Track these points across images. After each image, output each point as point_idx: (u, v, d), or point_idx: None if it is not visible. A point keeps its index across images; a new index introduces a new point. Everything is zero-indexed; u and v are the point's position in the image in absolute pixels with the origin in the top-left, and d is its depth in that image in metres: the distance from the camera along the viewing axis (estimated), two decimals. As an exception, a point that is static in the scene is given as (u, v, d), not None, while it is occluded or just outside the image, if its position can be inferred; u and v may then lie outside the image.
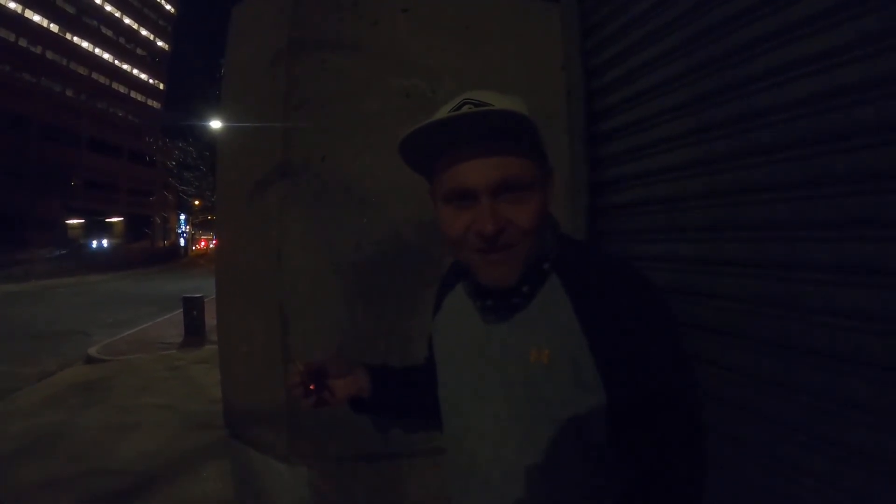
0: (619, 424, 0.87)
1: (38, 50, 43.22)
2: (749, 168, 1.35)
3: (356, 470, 1.84)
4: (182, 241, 58.81)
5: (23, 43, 41.65)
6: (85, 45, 50.00)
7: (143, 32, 61.34)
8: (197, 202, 33.63)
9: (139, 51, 60.14)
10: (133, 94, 58.29)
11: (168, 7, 66.21)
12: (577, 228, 2.01)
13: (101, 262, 32.93)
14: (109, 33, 54.23)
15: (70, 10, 47.83)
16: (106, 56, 53.37)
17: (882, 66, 1.03)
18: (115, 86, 54.65)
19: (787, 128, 1.24)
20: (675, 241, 1.63)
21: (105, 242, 44.64)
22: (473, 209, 0.87)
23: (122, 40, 56.47)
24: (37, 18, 43.67)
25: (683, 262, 1.58)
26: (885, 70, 1.02)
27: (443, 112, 0.88)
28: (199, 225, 52.39)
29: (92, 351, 8.58)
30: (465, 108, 0.85)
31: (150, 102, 61.34)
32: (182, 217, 58.11)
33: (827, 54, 1.13)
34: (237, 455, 2.12)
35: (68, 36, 47.59)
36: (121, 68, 56.15)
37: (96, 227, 44.90)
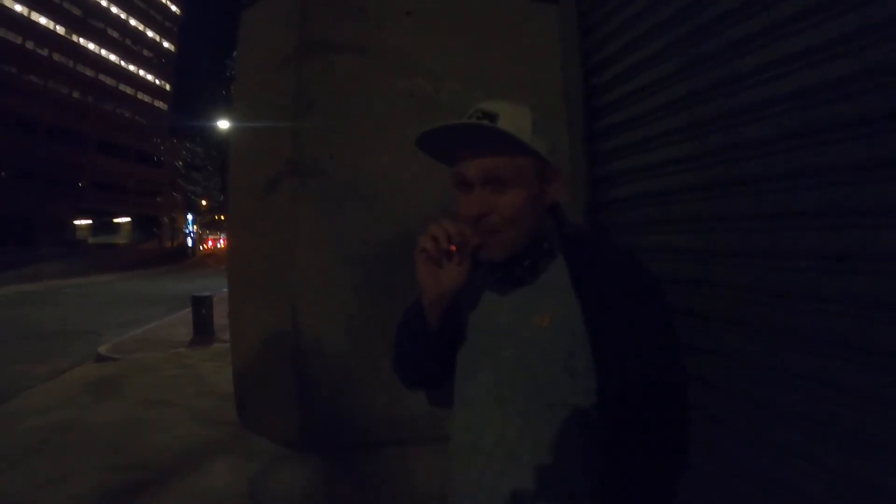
0: (607, 402, 0.97)
1: (45, 52, 43.49)
2: (739, 161, 1.42)
3: (364, 457, 1.91)
4: (190, 242, 58.88)
5: (30, 45, 41.92)
6: (91, 46, 50.22)
7: (149, 34, 61.56)
8: (204, 202, 33.76)
9: (145, 52, 60.33)
10: (140, 96, 58.53)
11: (174, 8, 66.38)
12: (580, 222, 2.07)
13: (110, 262, 33.14)
14: (115, 35, 54.45)
15: (76, 11, 48.03)
16: (112, 58, 53.60)
17: (861, 62, 1.09)
18: (121, 87, 54.87)
19: (775, 122, 1.30)
20: (669, 232, 1.69)
21: (113, 243, 44.87)
22: (469, 195, 1.06)
23: (128, 42, 56.66)
24: (43, 21, 43.89)
25: (677, 253, 1.64)
26: (864, 66, 1.09)
27: (462, 118, 1.06)
28: (207, 225, 52.54)
29: (102, 350, 8.65)
30: (474, 117, 1.04)
31: (156, 103, 61.54)
32: (189, 217, 58.24)
33: (811, 51, 1.20)
34: (250, 445, 2.19)
35: (75, 38, 47.86)
36: (127, 69, 56.37)
37: (104, 227, 45.20)
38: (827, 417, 1.18)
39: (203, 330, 9.85)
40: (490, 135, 1.02)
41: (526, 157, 1.05)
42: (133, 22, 58.07)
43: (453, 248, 1.06)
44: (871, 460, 1.08)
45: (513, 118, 1.03)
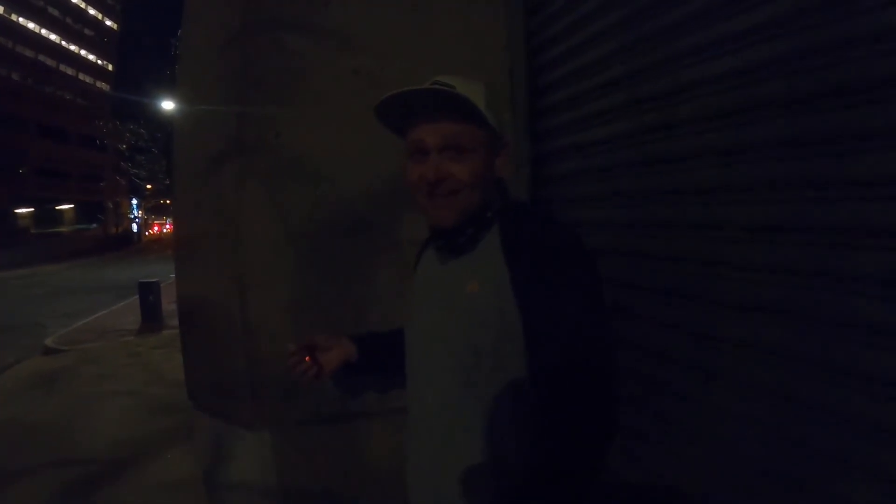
0: (532, 369, 1.01)
1: (-19, 33, 41.25)
2: (675, 138, 1.48)
3: (316, 432, 1.93)
4: (135, 227, 56.95)
5: (-36, 26, 39.69)
6: (31, 26, 47.80)
7: (91, 11, 58.82)
8: (149, 186, 32.67)
9: (87, 31, 57.62)
10: (81, 77, 55.98)
11: (117, -16, 63.66)
12: (521, 197, 2.12)
13: (54, 251, 31.84)
14: (56, 13, 51.92)
15: (14, -11, 45.62)
16: (53, 37, 51.08)
17: (793, 44, 1.15)
18: (62, 68, 52.39)
19: (710, 101, 1.36)
20: (609, 206, 1.75)
21: (57, 231, 43.02)
22: (425, 162, 1.08)
23: (69, 20, 54.07)
24: (-23, 0, 41.64)
25: (617, 227, 1.71)
26: (795, 48, 1.15)
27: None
28: (152, 209, 50.91)
29: (49, 342, 8.38)
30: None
31: (98, 84, 58.82)
32: (134, 202, 56.40)
33: (745, 34, 1.26)
34: (202, 426, 2.18)
35: (13, 17, 45.41)
36: (68, 49, 53.78)
37: (47, 215, 43.29)
38: (757, 379, 1.25)
39: (151, 317, 9.64)
40: (451, 102, 1.05)
41: (481, 128, 1.09)
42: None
43: (307, 358, 1.36)
44: (802, 418, 1.16)
45: (468, 90, 1.06)
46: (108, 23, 62.61)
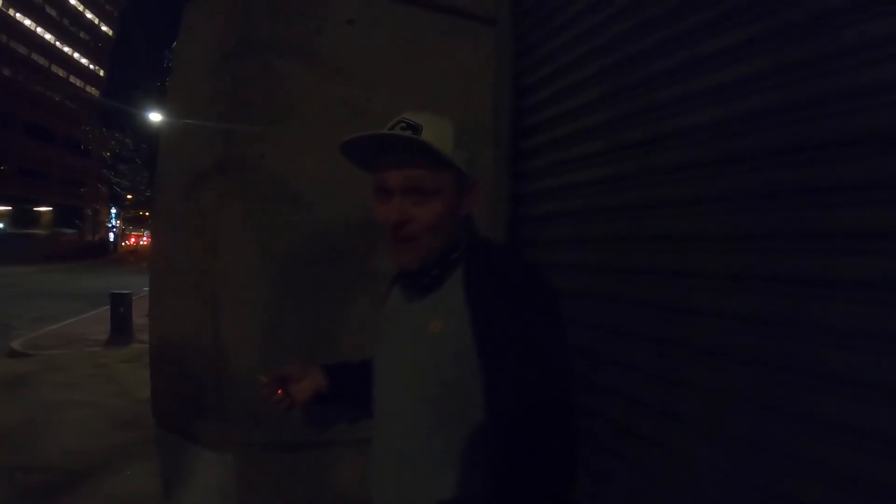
0: (489, 412, 1.01)
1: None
2: (651, 186, 1.52)
3: (281, 457, 1.91)
4: (112, 237, 56.11)
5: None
6: (27, 22, 47.60)
7: (89, 15, 58.83)
8: (129, 196, 32.28)
9: (82, 34, 57.55)
10: (72, 79, 55.74)
11: (116, -9, 63.78)
12: (498, 237, 2.16)
13: (29, 253, 31.23)
14: (53, 13, 51.80)
15: (14, -16, 45.48)
16: (48, 37, 50.92)
17: (770, 99, 1.20)
18: (54, 68, 52.14)
19: (688, 151, 1.41)
20: (585, 249, 1.78)
21: (33, 233, 42.16)
22: (389, 203, 1.08)
23: (65, 21, 53.99)
24: (-25, -9, 41.44)
25: (591, 270, 1.74)
26: (768, 104, 1.20)
27: (384, 128, 1.09)
28: (130, 220, 50.23)
29: (15, 344, 8.20)
30: (398, 128, 1.07)
31: (88, 88, 58.69)
32: (113, 211, 55.67)
33: (722, 88, 1.31)
34: (165, 444, 2.14)
35: (11, 12, 45.20)
36: (62, 51, 53.64)
37: (24, 215, 42.47)
38: (726, 425, 1.28)
39: (121, 329, 9.45)
40: (414, 147, 1.05)
41: (447, 171, 1.08)
42: (73, 1, 55.35)
43: (280, 391, 1.36)
44: (770, 465, 1.18)
45: (435, 130, 1.06)
46: (104, 28, 62.61)
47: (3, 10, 44.22)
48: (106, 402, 5.56)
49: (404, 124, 1.07)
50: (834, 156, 1.08)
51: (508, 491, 0.98)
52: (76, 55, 56.74)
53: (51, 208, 46.47)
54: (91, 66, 60.09)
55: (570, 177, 1.86)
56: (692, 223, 1.40)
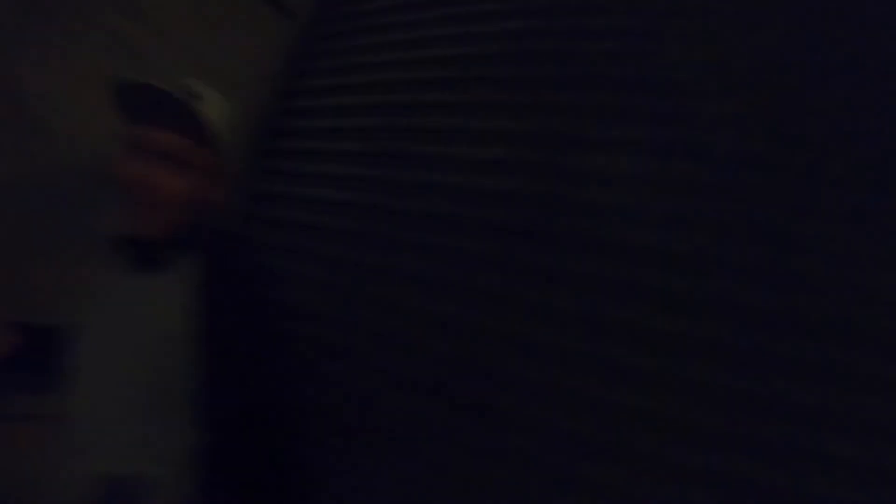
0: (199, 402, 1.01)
1: None
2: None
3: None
4: None
5: None
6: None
7: None
8: None
9: None
10: None
11: None
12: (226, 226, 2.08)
13: None
14: None
15: None
16: None
17: None
18: None
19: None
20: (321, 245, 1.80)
21: None
22: (143, 163, 1.04)
23: None
24: None
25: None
26: None
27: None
28: None
29: None
30: (182, 92, 1.04)
31: None
32: None
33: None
34: None
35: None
36: None
37: None
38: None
39: None
40: (190, 115, 1.02)
41: (209, 149, 1.08)
42: None
43: None
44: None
45: (213, 106, 1.06)
46: None
47: None
48: None
49: (188, 90, 1.05)
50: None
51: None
52: None
53: None
54: None
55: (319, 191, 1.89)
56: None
